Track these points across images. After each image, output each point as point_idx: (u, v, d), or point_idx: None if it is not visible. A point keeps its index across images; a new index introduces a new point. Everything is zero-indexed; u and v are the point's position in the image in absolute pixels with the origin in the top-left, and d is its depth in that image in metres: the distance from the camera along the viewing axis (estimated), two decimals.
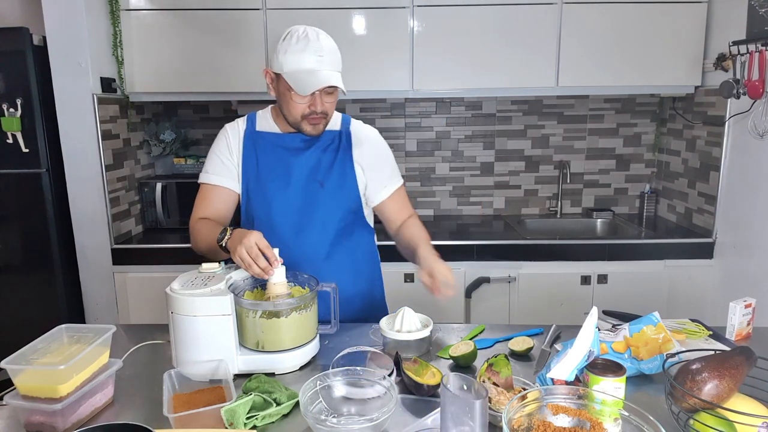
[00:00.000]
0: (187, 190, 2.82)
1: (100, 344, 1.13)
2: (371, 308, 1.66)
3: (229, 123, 1.60)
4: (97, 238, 2.58)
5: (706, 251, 2.60)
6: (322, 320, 1.41)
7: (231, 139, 1.57)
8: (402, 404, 1.13)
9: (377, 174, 1.59)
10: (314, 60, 1.38)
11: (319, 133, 1.50)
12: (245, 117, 1.60)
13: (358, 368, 1.13)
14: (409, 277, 2.56)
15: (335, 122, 1.59)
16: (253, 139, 1.56)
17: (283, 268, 1.30)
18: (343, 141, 1.57)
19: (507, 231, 2.87)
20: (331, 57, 1.41)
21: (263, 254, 1.26)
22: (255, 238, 1.27)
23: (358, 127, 1.61)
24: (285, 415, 1.11)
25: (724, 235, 2.54)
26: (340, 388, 1.12)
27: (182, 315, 1.21)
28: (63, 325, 1.19)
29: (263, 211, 1.55)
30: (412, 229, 1.57)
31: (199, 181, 1.58)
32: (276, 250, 1.29)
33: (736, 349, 1.07)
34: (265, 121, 1.58)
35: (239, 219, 1.62)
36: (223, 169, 1.56)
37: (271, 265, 1.26)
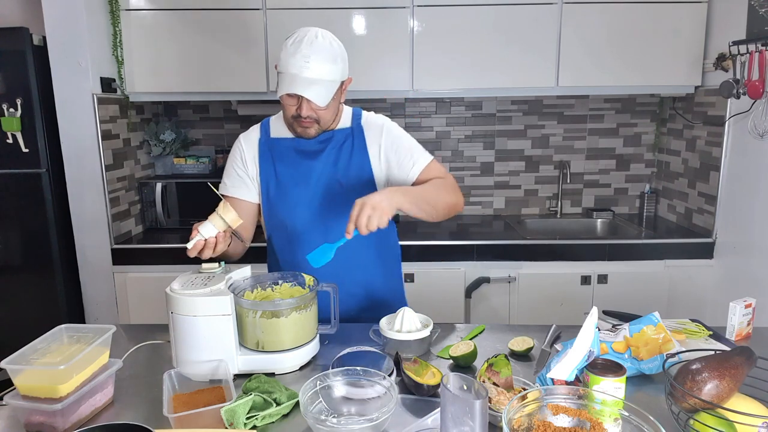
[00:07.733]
0: (187, 190, 2.81)
1: (100, 344, 1.13)
2: (396, 303, 1.60)
3: (243, 133, 1.60)
4: (97, 238, 2.58)
5: (706, 251, 2.60)
6: (322, 320, 1.41)
7: (245, 150, 1.57)
8: (402, 404, 1.13)
9: (397, 156, 1.53)
10: (299, 65, 1.36)
11: (311, 137, 1.50)
12: (258, 125, 1.60)
13: (358, 368, 1.13)
14: (409, 277, 2.55)
15: (346, 119, 1.57)
16: (268, 146, 1.55)
17: (200, 237, 1.32)
18: (356, 136, 1.55)
19: (507, 231, 2.87)
20: (321, 65, 1.37)
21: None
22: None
23: (367, 118, 1.58)
24: (285, 415, 1.11)
25: (724, 235, 2.54)
26: (340, 388, 1.12)
27: (182, 315, 1.22)
28: (63, 325, 1.19)
29: (288, 216, 1.55)
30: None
31: (219, 191, 1.57)
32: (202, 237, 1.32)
33: (736, 349, 1.07)
34: (279, 127, 1.57)
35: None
36: (238, 182, 1.58)
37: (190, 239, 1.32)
